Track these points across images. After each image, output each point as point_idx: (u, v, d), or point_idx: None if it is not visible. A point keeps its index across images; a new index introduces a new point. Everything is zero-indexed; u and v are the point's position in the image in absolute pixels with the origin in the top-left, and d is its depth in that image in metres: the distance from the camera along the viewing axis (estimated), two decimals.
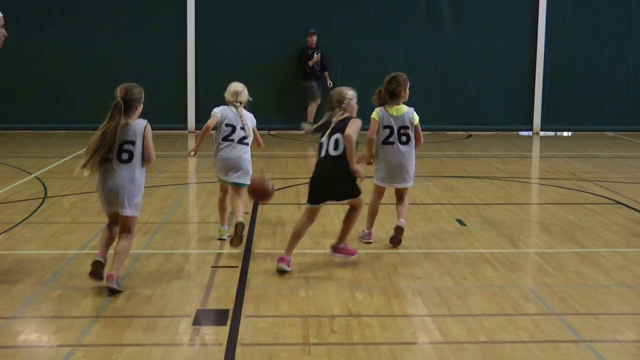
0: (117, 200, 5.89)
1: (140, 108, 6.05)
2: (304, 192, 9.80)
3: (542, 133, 16.66)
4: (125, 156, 5.89)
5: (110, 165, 5.87)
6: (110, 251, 6.00)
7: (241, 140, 7.32)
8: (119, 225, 6.03)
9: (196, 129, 15.92)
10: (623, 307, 5.65)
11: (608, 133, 16.54)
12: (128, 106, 5.92)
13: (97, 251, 6.01)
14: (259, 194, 6.93)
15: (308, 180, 6.61)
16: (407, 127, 7.22)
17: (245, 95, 7.44)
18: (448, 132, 16.49)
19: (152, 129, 6.02)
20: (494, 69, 16.45)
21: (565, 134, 16.93)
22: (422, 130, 7.35)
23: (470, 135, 16.32)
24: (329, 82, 15.81)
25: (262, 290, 5.96)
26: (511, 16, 16.49)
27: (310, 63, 15.67)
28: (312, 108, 15.83)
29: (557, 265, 6.67)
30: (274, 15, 16.25)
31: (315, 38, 15.99)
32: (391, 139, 7.22)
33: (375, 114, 7.23)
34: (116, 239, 6.05)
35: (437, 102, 16.31)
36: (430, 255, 7.01)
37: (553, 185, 10.57)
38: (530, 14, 16.47)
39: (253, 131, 7.42)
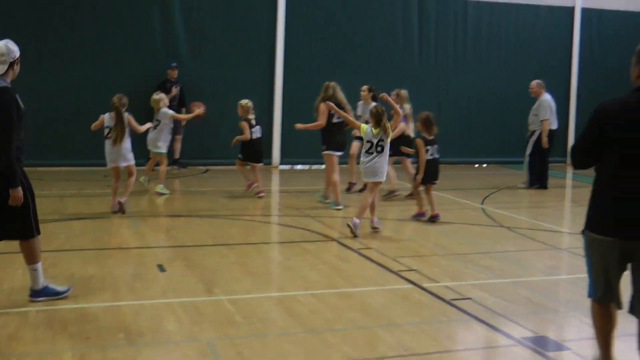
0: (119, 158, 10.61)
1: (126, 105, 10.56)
2: None
3: (280, 167, 16.65)
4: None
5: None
6: None
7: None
8: (128, 172, 10.62)
9: None
10: (302, 357, 5.29)
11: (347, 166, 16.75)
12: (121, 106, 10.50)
13: None
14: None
15: None
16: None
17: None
18: (189, 167, 15.96)
19: None
20: (234, 103, 16.14)
21: (299, 167, 17.08)
22: None
23: (207, 170, 15.90)
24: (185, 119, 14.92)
25: None
26: (251, 48, 16.39)
27: (169, 96, 14.53)
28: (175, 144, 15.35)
29: (248, 313, 6.23)
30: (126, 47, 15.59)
31: (176, 72, 15.27)
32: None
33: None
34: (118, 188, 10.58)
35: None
36: (114, 308, 6.32)
37: (274, 222, 10.32)
38: (267, 48, 16.47)
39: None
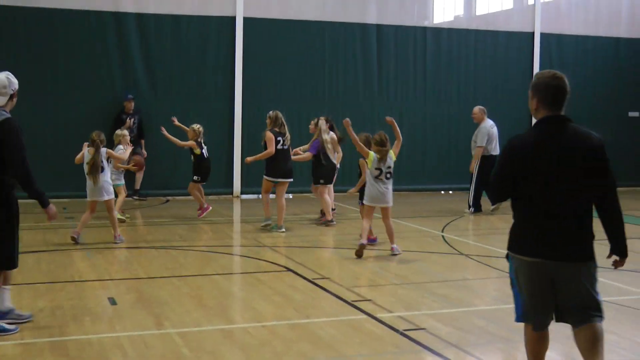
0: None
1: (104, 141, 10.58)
2: None
3: (243, 196, 16.55)
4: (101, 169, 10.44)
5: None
6: None
7: None
8: (106, 206, 10.57)
9: None
10: None
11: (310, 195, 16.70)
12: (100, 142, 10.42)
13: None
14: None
15: None
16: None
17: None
18: (150, 198, 15.81)
19: None
20: None
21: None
22: None
23: (167, 201, 15.76)
24: (144, 151, 14.84)
25: None
26: (210, 80, 16.44)
27: (124, 127, 14.33)
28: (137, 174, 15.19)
29: (196, 346, 6.12)
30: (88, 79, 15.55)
31: (132, 104, 15.14)
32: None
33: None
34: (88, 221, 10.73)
35: None
36: (59, 343, 6.17)
37: (231, 253, 10.21)
38: (226, 80, 16.50)
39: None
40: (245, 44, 16.50)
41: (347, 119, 10.35)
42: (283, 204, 11.96)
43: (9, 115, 6.34)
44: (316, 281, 8.52)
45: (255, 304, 7.51)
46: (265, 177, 12.05)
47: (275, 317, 7.09)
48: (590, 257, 4.66)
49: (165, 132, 13.51)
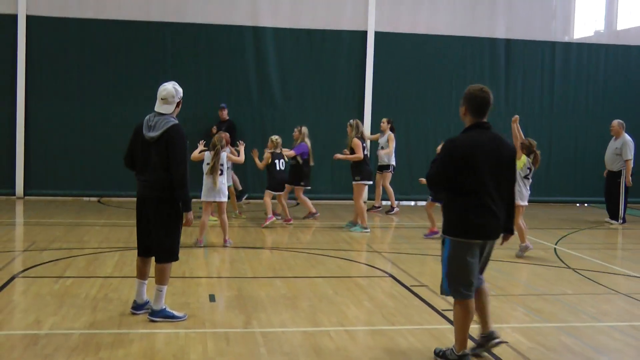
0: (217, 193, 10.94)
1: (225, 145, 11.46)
2: (75, 264, 9.34)
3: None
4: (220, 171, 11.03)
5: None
6: None
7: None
8: (219, 208, 11.13)
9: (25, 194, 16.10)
10: None
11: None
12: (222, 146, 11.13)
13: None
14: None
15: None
16: None
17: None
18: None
19: None
20: (323, 142, 16.37)
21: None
22: None
23: (298, 204, 16.24)
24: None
25: None
26: (338, 90, 17.07)
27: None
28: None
29: (274, 346, 6.40)
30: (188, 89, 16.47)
31: (224, 112, 15.97)
32: None
33: None
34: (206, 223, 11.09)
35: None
36: (150, 335, 6.63)
37: (340, 257, 10.46)
38: (357, 88, 17.00)
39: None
40: (375, 57, 16.97)
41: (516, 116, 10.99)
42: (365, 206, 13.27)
43: (176, 121, 6.96)
44: (413, 288, 8.63)
45: (345, 308, 7.72)
46: (361, 182, 12.82)
47: (361, 322, 7.28)
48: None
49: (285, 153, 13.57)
